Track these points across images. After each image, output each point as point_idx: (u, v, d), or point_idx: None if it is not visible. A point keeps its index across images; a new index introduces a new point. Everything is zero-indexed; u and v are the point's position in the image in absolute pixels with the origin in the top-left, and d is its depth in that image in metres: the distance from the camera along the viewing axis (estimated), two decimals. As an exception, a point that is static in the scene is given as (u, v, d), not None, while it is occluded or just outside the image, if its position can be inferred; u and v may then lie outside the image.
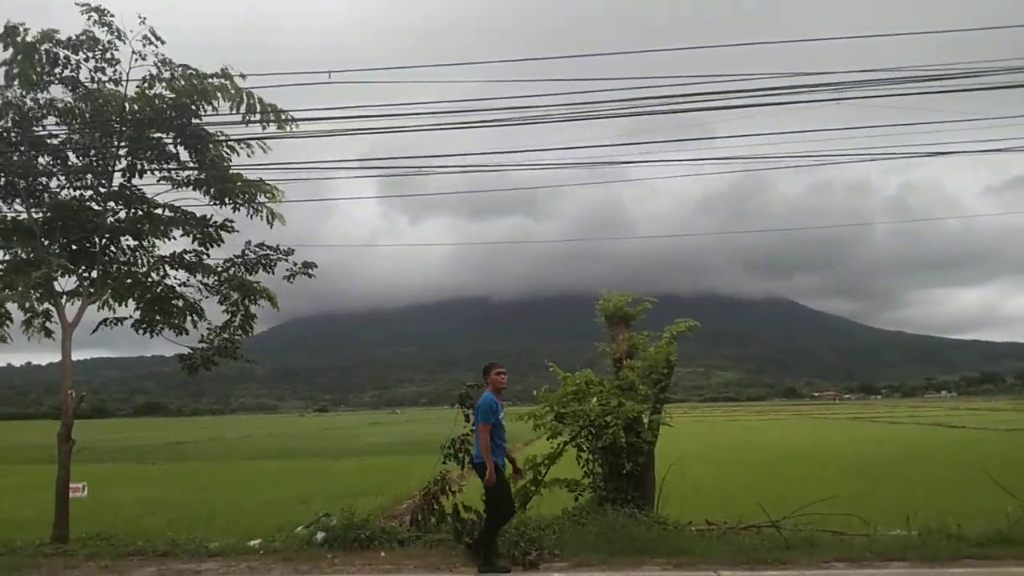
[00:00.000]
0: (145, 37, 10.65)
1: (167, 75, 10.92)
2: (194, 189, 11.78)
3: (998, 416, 61.16)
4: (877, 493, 15.20)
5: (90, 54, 10.88)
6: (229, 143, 11.64)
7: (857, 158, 12.95)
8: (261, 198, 11.88)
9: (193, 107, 11.14)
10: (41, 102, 11.23)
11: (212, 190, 11.72)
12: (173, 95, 11.02)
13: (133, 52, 10.77)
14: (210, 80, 10.96)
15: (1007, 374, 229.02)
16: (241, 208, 11.91)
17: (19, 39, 10.51)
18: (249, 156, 11.76)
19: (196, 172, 11.68)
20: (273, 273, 12.17)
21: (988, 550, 9.09)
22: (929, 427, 47.61)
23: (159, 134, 11.39)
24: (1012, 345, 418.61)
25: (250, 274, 12.12)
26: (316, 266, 12.24)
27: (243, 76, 11.12)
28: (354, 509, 11.08)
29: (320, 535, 10.28)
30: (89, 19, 10.64)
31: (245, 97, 11.15)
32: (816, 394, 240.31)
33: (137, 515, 14.37)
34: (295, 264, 12.14)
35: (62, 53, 10.77)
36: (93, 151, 11.45)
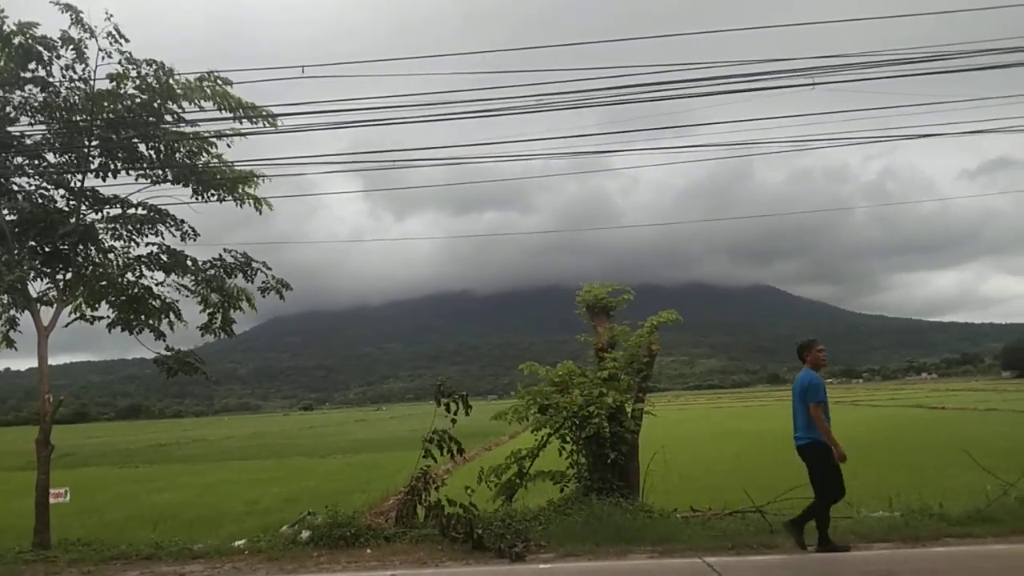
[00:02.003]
0: (110, 34, 10.47)
1: (134, 73, 10.76)
2: (173, 184, 11.68)
3: (977, 396, 61.97)
4: (860, 476, 15.27)
5: (65, 52, 10.68)
6: (201, 139, 11.51)
7: (835, 142, 13.05)
8: (243, 188, 11.82)
9: (161, 106, 11.00)
10: (14, 101, 11.03)
11: (191, 184, 11.63)
12: (142, 96, 10.88)
13: (100, 50, 10.60)
14: (178, 78, 10.82)
15: (986, 354, 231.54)
16: (227, 200, 11.84)
17: None
18: (229, 147, 11.70)
19: (169, 170, 11.56)
20: (252, 281, 12.11)
21: (969, 528, 9.21)
22: (910, 409, 48.11)
23: (129, 133, 11.23)
24: (990, 326, 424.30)
25: (229, 277, 12.04)
26: (291, 288, 12.27)
27: (228, 82, 11.01)
28: (339, 507, 11.04)
29: (305, 534, 10.22)
30: (71, 18, 10.42)
31: (223, 100, 11.02)
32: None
33: (120, 519, 14.25)
34: (272, 278, 12.11)
35: (35, 49, 10.56)
36: (63, 149, 11.29)
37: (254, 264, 12.06)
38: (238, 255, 12.04)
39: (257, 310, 12.37)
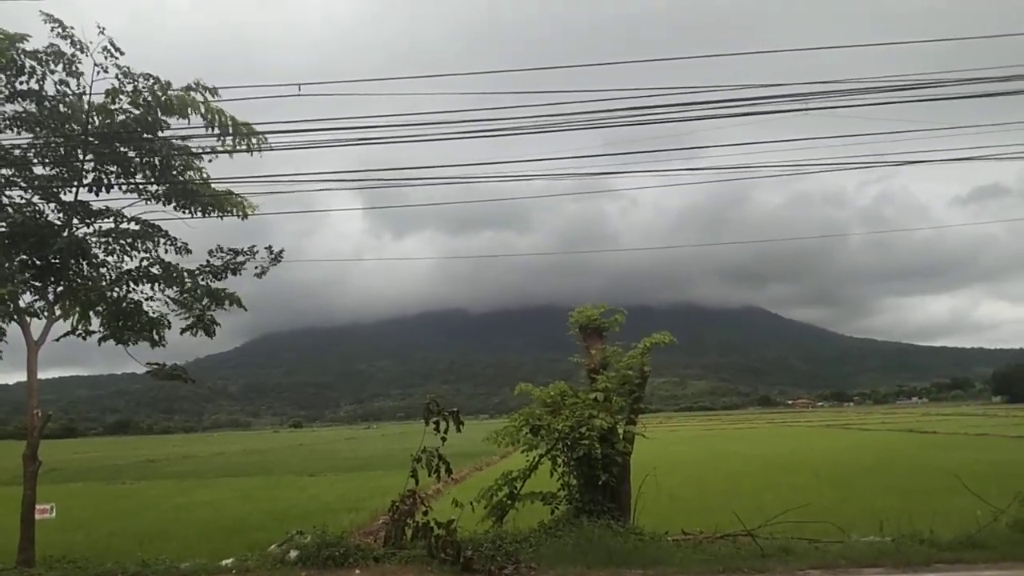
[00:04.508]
0: (105, 49, 10.50)
1: (129, 88, 10.79)
2: (165, 204, 11.68)
3: (968, 421, 62.04)
4: (851, 500, 15.32)
5: (55, 67, 10.69)
6: (193, 154, 11.53)
7: (829, 167, 13.16)
8: (230, 206, 11.84)
9: (155, 121, 11.02)
10: (7, 113, 11.02)
11: (180, 202, 11.63)
12: (136, 111, 10.90)
13: (95, 65, 10.62)
14: (174, 92, 10.84)
15: (976, 379, 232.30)
16: (212, 214, 11.85)
17: None
18: (210, 161, 11.69)
19: (162, 186, 11.56)
20: (240, 275, 12.07)
21: (959, 554, 9.21)
22: (901, 433, 48.15)
23: (123, 148, 11.23)
24: (980, 351, 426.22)
25: (217, 279, 12.02)
26: (283, 250, 12.20)
27: (215, 91, 11.00)
28: (328, 526, 10.97)
29: (293, 553, 10.14)
30: (53, 31, 10.45)
31: (216, 116, 11.04)
32: (790, 402, 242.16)
33: (107, 536, 14.11)
34: (263, 260, 12.07)
35: (28, 63, 10.57)
36: (56, 162, 11.28)
37: (240, 256, 12.03)
38: (223, 253, 12.01)
39: (244, 308, 12.33)
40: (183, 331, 12.06)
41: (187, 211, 11.75)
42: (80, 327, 11.76)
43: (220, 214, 11.88)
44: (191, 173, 11.71)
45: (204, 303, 12.02)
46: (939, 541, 9.68)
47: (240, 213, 11.95)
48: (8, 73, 10.56)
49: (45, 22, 10.33)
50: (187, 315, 12.03)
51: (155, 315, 11.93)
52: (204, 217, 11.86)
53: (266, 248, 12.09)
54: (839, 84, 11.35)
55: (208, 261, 11.95)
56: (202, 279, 11.94)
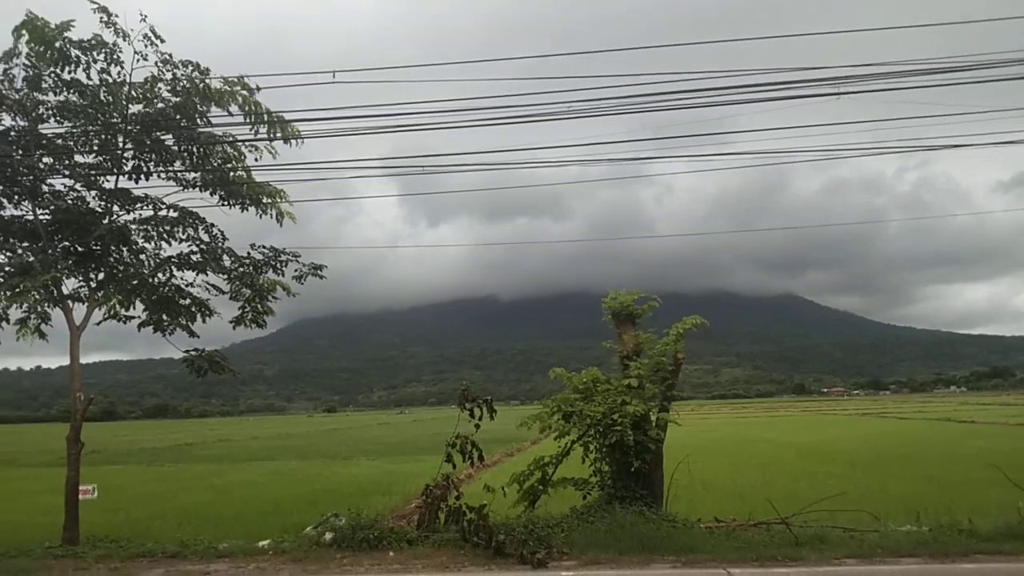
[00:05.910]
0: (146, 36, 10.64)
1: (169, 75, 10.93)
2: (201, 190, 11.87)
3: (1008, 410, 60.81)
4: (887, 489, 15.12)
5: (99, 56, 10.85)
6: (235, 145, 11.67)
7: (865, 152, 12.96)
8: (266, 200, 11.98)
9: (196, 111, 11.16)
10: (51, 103, 11.22)
11: (219, 192, 11.81)
12: (176, 98, 11.05)
13: (136, 52, 10.77)
14: (212, 80, 10.97)
15: (1016, 368, 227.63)
16: (249, 208, 12.01)
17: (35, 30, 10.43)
18: (256, 160, 11.85)
19: (202, 174, 11.75)
20: (283, 275, 12.27)
21: (999, 545, 9.05)
22: (939, 422, 47.36)
23: (163, 135, 11.41)
24: (1021, 339, 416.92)
25: (259, 274, 12.21)
26: (326, 266, 12.35)
27: (258, 88, 11.13)
28: (362, 509, 11.10)
29: (328, 535, 10.29)
30: (101, 21, 10.60)
31: (254, 107, 11.17)
32: (825, 390, 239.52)
33: (147, 516, 14.41)
34: (303, 265, 12.25)
35: (74, 52, 10.74)
36: (97, 150, 11.49)
37: (283, 256, 12.23)
38: (266, 251, 12.22)
39: (295, 294, 12.55)
40: (234, 325, 12.27)
41: (226, 202, 11.96)
42: (120, 312, 11.99)
43: (259, 212, 12.05)
44: (231, 165, 11.87)
45: (248, 295, 12.24)
46: (978, 531, 9.51)
47: (278, 217, 12.13)
48: (55, 64, 10.74)
49: (95, 12, 10.46)
50: (236, 297, 12.26)
51: (197, 299, 12.16)
52: (243, 211, 12.06)
53: (312, 263, 12.36)
54: (876, 67, 11.14)
55: (248, 254, 12.16)
56: (243, 269, 12.15)
